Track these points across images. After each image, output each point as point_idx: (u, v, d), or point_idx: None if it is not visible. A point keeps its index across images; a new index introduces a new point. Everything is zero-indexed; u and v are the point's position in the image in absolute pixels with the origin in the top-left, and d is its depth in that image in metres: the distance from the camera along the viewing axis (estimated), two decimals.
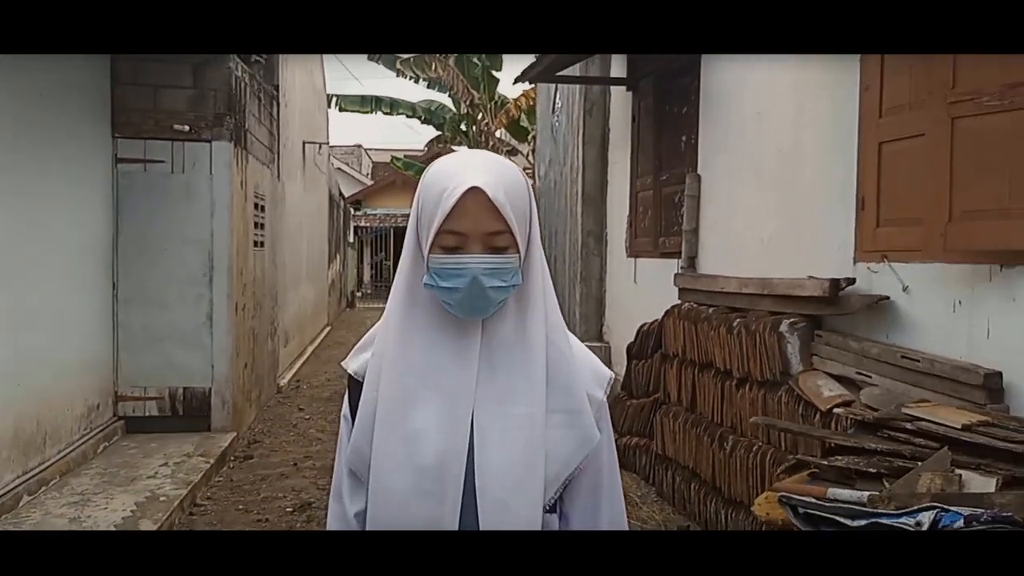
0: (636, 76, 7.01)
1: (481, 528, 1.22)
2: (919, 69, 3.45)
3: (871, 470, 2.71)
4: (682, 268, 5.76)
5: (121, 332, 6.32)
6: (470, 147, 17.28)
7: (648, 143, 6.80)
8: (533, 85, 10.77)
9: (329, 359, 11.60)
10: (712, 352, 4.66)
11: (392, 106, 17.77)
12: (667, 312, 5.37)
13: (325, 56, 13.88)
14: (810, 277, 4.10)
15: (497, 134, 17.55)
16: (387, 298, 1.34)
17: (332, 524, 1.35)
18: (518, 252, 1.20)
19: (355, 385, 1.32)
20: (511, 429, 1.22)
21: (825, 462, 2.85)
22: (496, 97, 16.89)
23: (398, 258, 1.29)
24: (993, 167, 3.08)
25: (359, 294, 25.75)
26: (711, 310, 4.86)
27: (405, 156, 22.62)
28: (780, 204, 4.67)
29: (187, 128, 6.37)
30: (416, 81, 16.68)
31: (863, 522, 2.35)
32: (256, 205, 7.57)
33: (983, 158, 3.13)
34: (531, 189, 1.25)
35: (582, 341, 1.37)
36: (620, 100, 7.47)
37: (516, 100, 16.10)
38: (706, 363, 4.77)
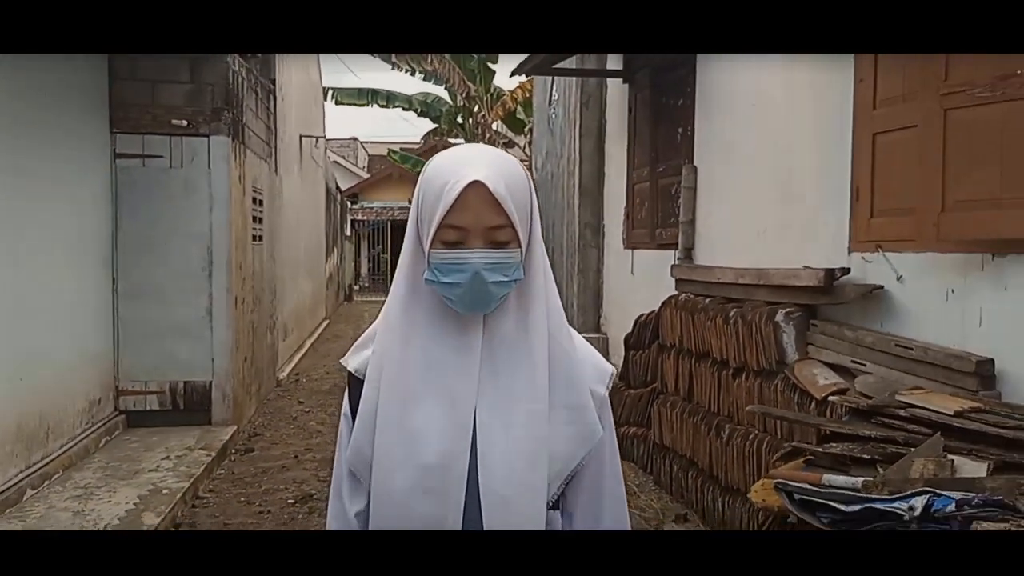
0: (632, 68, 7.02)
1: (485, 525, 1.21)
2: (912, 62, 3.47)
3: (865, 456, 2.76)
4: (679, 259, 5.80)
5: (121, 327, 6.35)
6: (466, 140, 17.27)
7: (644, 135, 6.82)
8: (529, 77, 10.77)
9: (328, 352, 11.63)
10: (709, 342, 4.70)
11: (388, 99, 17.73)
12: (664, 303, 5.41)
13: None
14: (805, 267, 4.13)
15: (494, 127, 17.51)
16: (385, 291, 1.34)
17: (332, 522, 1.34)
18: (519, 246, 1.19)
19: (355, 383, 1.30)
20: (514, 426, 1.21)
21: (820, 449, 2.90)
22: (492, 89, 16.84)
23: (395, 251, 1.29)
24: (985, 158, 3.12)
25: (357, 287, 25.76)
26: (708, 300, 4.90)
27: (401, 149, 22.56)
28: (775, 195, 4.70)
29: (185, 123, 6.39)
30: (412, 74, 16.63)
31: (857, 507, 2.39)
32: (254, 199, 7.59)
33: (975, 149, 3.17)
34: (532, 183, 1.25)
35: (580, 333, 1.36)
36: (616, 92, 7.48)
37: (512, 92, 16.06)
38: (703, 353, 4.81)
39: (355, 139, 33.20)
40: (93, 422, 5.86)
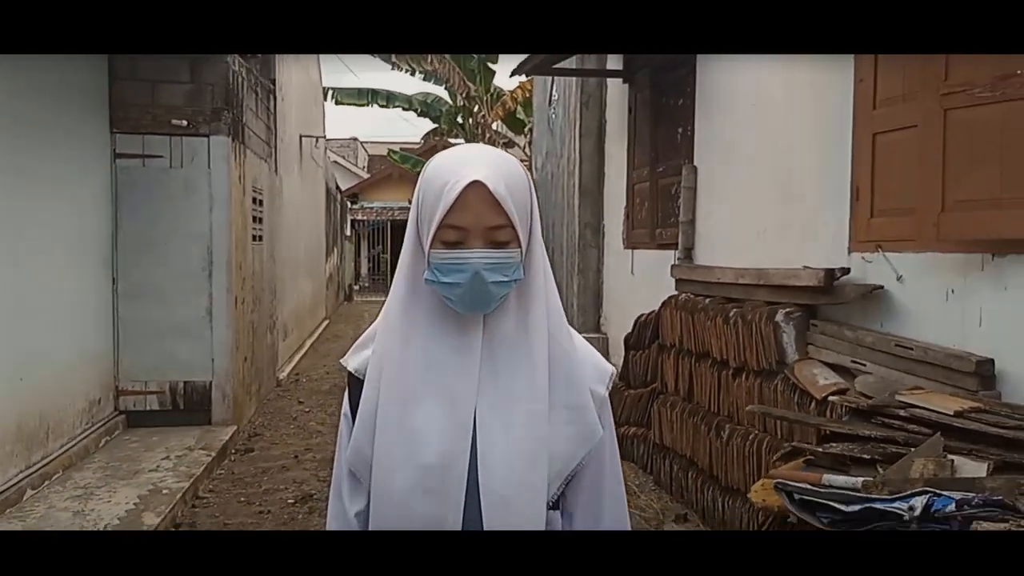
0: (632, 68, 7.02)
1: (485, 525, 1.21)
2: (912, 62, 3.48)
3: (865, 456, 2.76)
4: (679, 259, 5.80)
5: (121, 327, 6.35)
6: (466, 140, 17.27)
7: (644, 135, 6.82)
8: (529, 77, 10.78)
9: (328, 352, 11.63)
10: (709, 342, 4.70)
11: (388, 99, 17.73)
12: (664, 303, 5.41)
13: None
14: (805, 267, 4.13)
15: (493, 126, 17.52)
16: (385, 291, 1.34)
17: (332, 522, 1.34)
18: (520, 246, 1.19)
19: (355, 383, 1.30)
20: (514, 426, 1.21)
21: (820, 449, 2.90)
22: (492, 89, 16.84)
23: (395, 251, 1.29)
24: (985, 158, 3.12)
25: (357, 287, 25.76)
26: (707, 300, 4.90)
27: (401, 149, 22.56)
28: (775, 195, 4.70)
29: (185, 123, 6.39)
30: (412, 74, 16.64)
31: (857, 507, 2.39)
32: (254, 199, 7.59)
33: (975, 149, 3.17)
34: (532, 183, 1.24)
35: (580, 332, 1.36)
36: (616, 92, 7.48)
37: (512, 92, 16.06)
38: (703, 353, 4.81)
39: (355, 139, 33.21)
40: (93, 422, 5.86)
